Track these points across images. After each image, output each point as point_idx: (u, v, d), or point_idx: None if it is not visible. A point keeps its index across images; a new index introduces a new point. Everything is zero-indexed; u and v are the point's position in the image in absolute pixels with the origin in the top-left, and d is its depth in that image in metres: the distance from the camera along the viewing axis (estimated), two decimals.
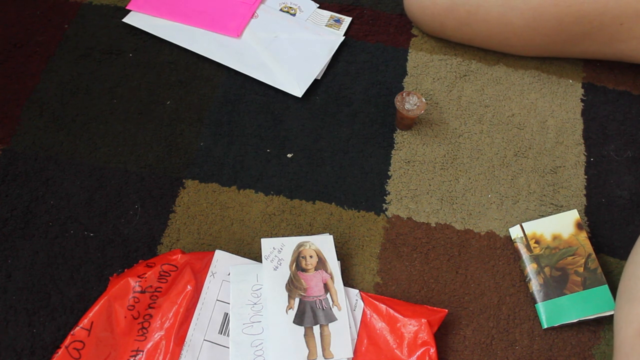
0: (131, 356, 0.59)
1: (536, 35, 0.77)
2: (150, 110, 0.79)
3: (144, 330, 0.60)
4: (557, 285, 0.65)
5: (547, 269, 0.66)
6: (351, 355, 0.60)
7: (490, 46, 0.82)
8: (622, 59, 0.79)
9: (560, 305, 0.64)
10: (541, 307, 0.64)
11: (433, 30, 0.83)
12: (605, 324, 0.65)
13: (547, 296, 0.65)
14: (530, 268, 0.66)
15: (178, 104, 0.80)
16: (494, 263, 0.69)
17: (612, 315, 0.65)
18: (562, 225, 0.68)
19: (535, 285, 0.65)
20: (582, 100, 0.81)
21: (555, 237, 0.67)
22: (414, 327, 0.61)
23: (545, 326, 0.64)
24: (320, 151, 0.76)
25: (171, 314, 0.61)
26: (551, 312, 0.64)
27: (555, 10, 0.73)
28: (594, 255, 0.66)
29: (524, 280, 0.67)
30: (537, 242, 0.67)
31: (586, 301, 0.64)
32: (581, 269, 0.65)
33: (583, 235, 0.67)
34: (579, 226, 0.68)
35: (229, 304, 0.62)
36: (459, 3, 0.77)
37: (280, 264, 0.64)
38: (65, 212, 0.70)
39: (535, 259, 0.67)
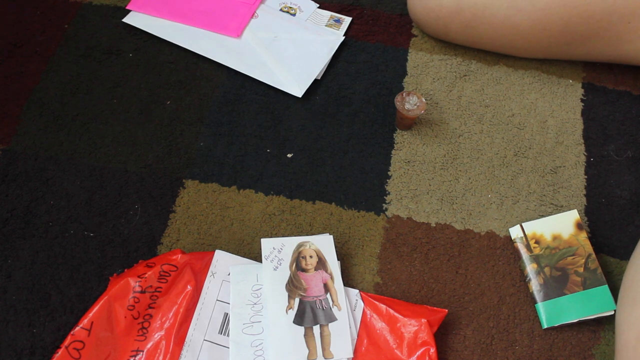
0: (131, 356, 0.59)
1: (542, 36, 0.76)
2: (150, 110, 0.79)
3: (144, 330, 0.60)
4: (557, 285, 0.65)
5: (547, 269, 0.66)
6: (351, 355, 0.60)
7: (495, 48, 0.82)
8: (628, 61, 0.78)
9: (560, 305, 0.64)
10: (541, 307, 0.65)
11: (437, 32, 0.82)
12: (605, 324, 0.65)
13: (547, 296, 0.65)
14: (530, 268, 0.66)
15: (178, 104, 0.80)
16: (494, 263, 0.69)
17: (612, 315, 0.65)
18: (562, 225, 0.68)
19: (535, 285, 0.65)
20: (582, 100, 0.81)
21: (555, 237, 0.67)
22: (414, 327, 0.61)
23: (545, 326, 0.64)
24: (320, 151, 0.76)
25: (171, 314, 0.61)
26: (551, 312, 0.64)
27: (562, 11, 0.72)
28: (594, 255, 0.66)
29: (524, 280, 0.67)
30: (537, 242, 0.67)
31: (586, 301, 0.64)
32: (581, 269, 0.65)
33: (583, 236, 0.67)
34: (579, 226, 0.68)
35: (229, 304, 0.62)
36: (465, 5, 0.76)
37: (280, 264, 0.64)
38: (65, 212, 0.70)
39: (535, 259, 0.67)
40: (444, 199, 0.73)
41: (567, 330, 0.65)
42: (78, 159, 0.75)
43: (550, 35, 0.76)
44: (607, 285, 0.64)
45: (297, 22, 0.87)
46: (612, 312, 0.63)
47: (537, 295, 0.65)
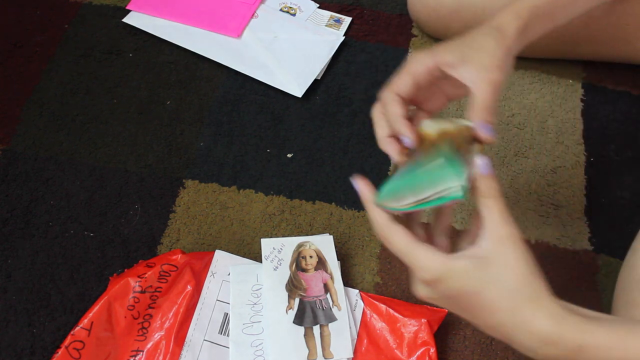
0: (131, 356, 0.59)
1: (541, 37, 0.76)
2: (150, 110, 0.79)
3: (144, 330, 0.60)
4: None
5: None
6: (351, 355, 0.60)
7: None
8: (626, 60, 0.79)
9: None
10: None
11: (437, 32, 0.83)
12: None
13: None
14: None
15: (178, 104, 0.80)
16: None
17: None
18: None
19: None
20: (582, 100, 0.81)
21: None
22: (414, 327, 0.61)
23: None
24: (320, 151, 0.76)
25: (171, 314, 0.61)
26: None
27: None
28: None
29: None
30: None
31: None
32: None
33: None
34: None
35: (229, 304, 0.62)
36: (466, 5, 0.76)
37: (280, 264, 0.64)
38: (65, 212, 0.70)
39: None
40: None
41: None
42: (78, 159, 0.75)
43: (550, 35, 0.76)
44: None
45: (297, 22, 0.87)
46: None
47: None
